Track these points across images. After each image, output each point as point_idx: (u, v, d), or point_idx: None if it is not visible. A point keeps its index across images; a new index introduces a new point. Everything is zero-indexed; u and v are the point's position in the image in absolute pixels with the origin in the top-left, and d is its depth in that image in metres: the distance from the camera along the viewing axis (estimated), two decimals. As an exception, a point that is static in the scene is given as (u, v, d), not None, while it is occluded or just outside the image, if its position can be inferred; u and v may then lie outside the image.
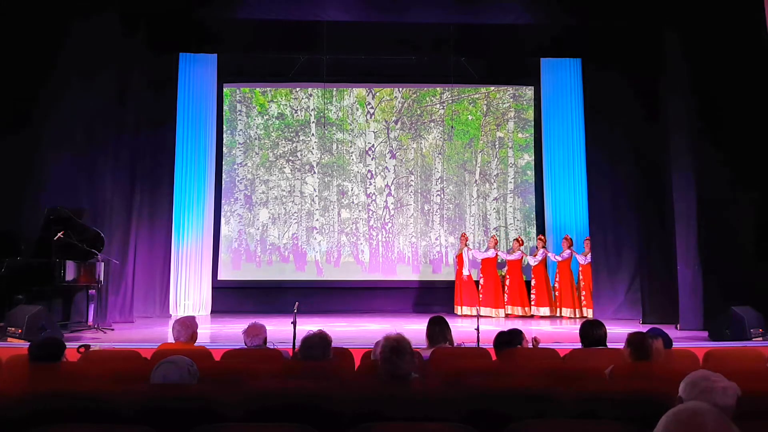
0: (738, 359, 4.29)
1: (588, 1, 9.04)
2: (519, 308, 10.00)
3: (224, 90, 11.20)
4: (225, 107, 11.23)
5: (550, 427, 2.31)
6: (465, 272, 10.22)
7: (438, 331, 4.35)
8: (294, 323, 5.21)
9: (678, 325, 7.86)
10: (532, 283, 10.14)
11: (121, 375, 3.11)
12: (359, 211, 11.22)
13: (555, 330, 8.58)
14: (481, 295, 10.13)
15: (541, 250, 10.19)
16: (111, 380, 2.97)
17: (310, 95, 11.34)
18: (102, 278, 7.95)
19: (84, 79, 8.37)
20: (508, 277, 10.21)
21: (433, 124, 11.41)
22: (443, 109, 11.42)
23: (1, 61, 7.95)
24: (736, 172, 7.84)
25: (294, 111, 11.35)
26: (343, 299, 10.81)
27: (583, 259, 9.97)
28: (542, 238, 10.42)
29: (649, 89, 8.99)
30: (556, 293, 10.03)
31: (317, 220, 11.18)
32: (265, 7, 9.27)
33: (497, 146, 11.37)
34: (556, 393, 2.66)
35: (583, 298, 9.92)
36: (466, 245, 10.36)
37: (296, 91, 11.33)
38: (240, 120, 11.29)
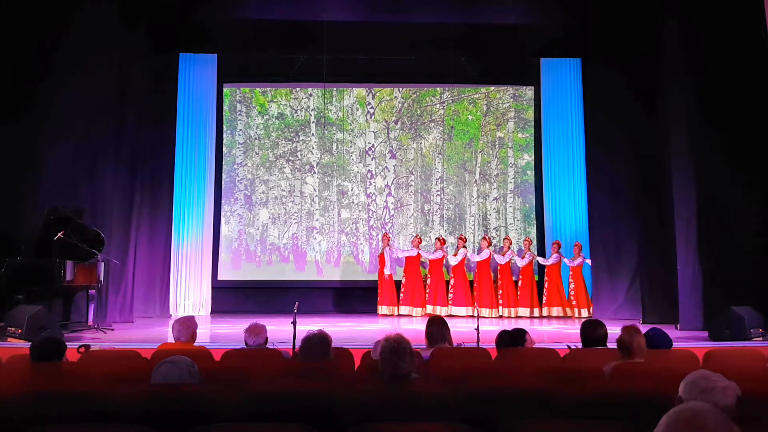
0: (738, 359, 4.28)
1: (588, 0, 9.05)
2: (439, 307, 9.98)
3: (224, 90, 11.20)
4: (225, 107, 11.23)
5: (550, 427, 2.31)
6: (386, 271, 10.17)
7: (437, 331, 4.34)
8: (294, 323, 5.21)
9: (678, 325, 7.86)
10: (451, 282, 10.14)
11: (122, 375, 3.10)
12: (359, 211, 11.22)
13: (562, 330, 8.58)
14: (402, 294, 10.12)
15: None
16: (111, 380, 2.96)
17: (310, 95, 11.34)
18: (102, 278, 7.94)
19: (84, 79, 8.36)
20: (429, 276, 10.20)
21: (433, 124, 11.41)
22: (443, 109, 11.42)
23: (1, 61, 7.95)
24: (736, 172, 7.84)
25: (294, 111, 11.36)
26: (343, 299, 10.81)
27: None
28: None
29: (649, 90, 8.99)
30: (474, 293, 10.11)
31: (317, 220, 11.18)
32: (265, 7, 9.29)
33: (497, 146, 11.37)
34: (556, 393, 2.66)
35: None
36: (387, 245, 10.34)
37: (296, 91, 11.33)
38: (240, 120, 11.29)
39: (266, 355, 4.05)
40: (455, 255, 10.20)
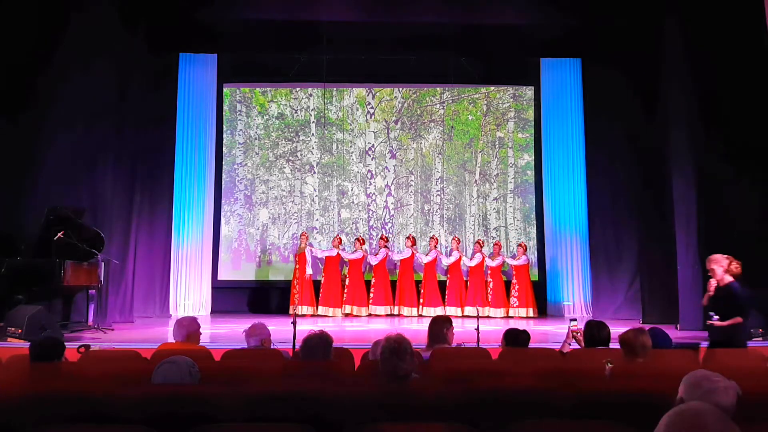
0: (738, 359, 4.28)
1: (588, 0, 9.05)
2: (356, 307, 9.95)
3: (224, 90, 11.20)
4: (225, 107, 11.23)
5: (550, 427, 2.31)
6: (308, 271, 10.09)
7: (438, 331, 4.34)
8: (294, 323, 5.21)
9: (678, 325, 7.86)
10: (372, 282, 10.13)
11: (122, 375, 3.10)
12: (359, 211, 11.22)
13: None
14: (320, 294, 10.05)
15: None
16: (111, 380, 2.96)
17: (310, 95, 11.34)
18: (102, 278, 7.95)
19: (84, 78, 8.35)
20: (348, 277, 10.16)
21: (433, 124, 11.41)
22: (443, 109, 11.42)
23: (1, 61, 7.95)
24: (736, 171, 7.84)
25: (294, 111, 11.35)
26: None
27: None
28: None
29: (648, 89, 9.00)
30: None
31: (317, 220, 11.17)
32: (265, 7, 9.29)
33: (497, 146, 11.36)
34: (556, 393, 2.66)
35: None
36: (307, 244, 10.28)
37: (296, 91, 11.33)
38: (240, 120, 11.28)
39: (266, 355, 4.04)
40: (376, 255, 10.20)
